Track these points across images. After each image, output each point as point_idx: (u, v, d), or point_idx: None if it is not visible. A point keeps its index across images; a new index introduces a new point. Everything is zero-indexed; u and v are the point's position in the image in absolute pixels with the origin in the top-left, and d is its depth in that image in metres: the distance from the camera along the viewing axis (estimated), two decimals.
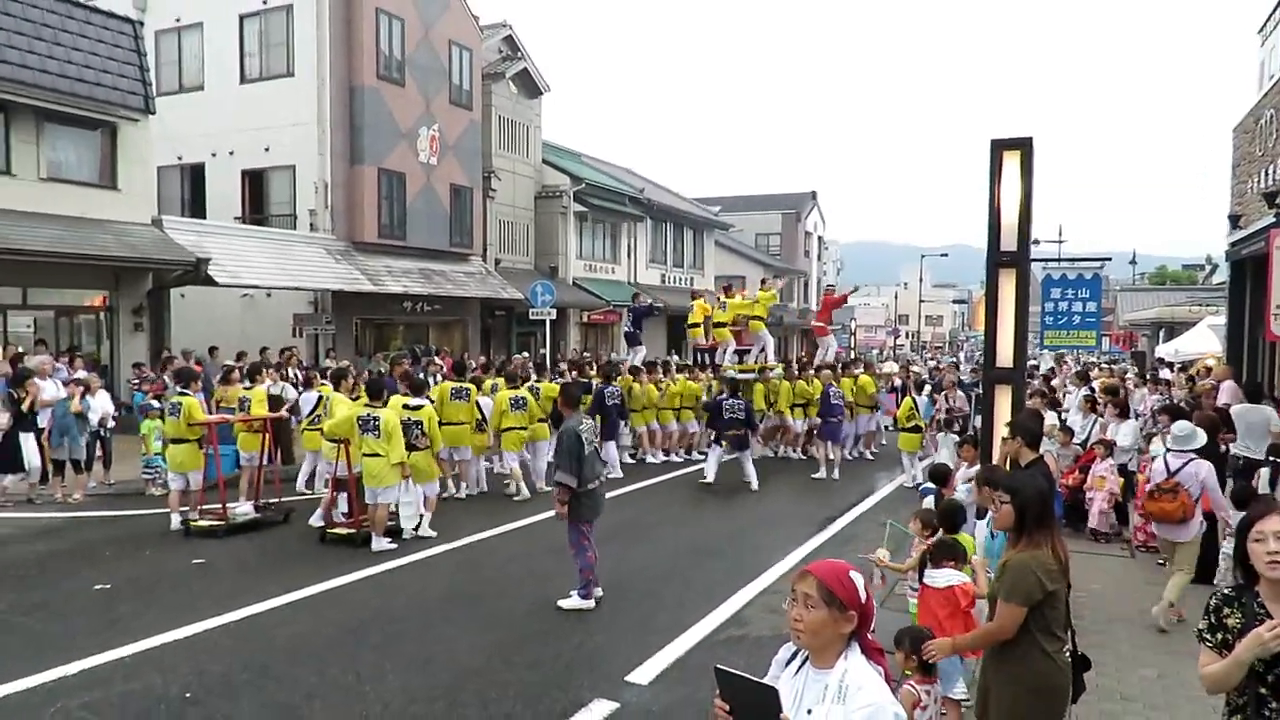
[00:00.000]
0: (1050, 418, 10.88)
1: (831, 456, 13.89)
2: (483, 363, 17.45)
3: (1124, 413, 10.89)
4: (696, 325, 17.30)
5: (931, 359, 41.50)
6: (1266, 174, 12.58)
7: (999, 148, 6.66)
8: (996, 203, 6.64)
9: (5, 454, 10.77)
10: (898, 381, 17.64)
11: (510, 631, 6.61)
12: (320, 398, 11.42)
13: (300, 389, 12.89)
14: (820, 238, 54.84)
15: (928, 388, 15.66)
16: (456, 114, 23.16)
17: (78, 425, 11.14)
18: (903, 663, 4.08)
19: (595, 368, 16.77)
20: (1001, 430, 6.31)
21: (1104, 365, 27.84)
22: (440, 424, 10.18)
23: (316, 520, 9.64)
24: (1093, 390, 12.89)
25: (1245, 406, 9.49)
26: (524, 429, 12.11)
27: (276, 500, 10.60)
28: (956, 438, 10.14)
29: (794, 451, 16.01)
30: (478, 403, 11.97)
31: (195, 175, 21.55)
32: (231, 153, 20.75)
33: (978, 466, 6.85)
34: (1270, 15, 15.35)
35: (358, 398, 9.83)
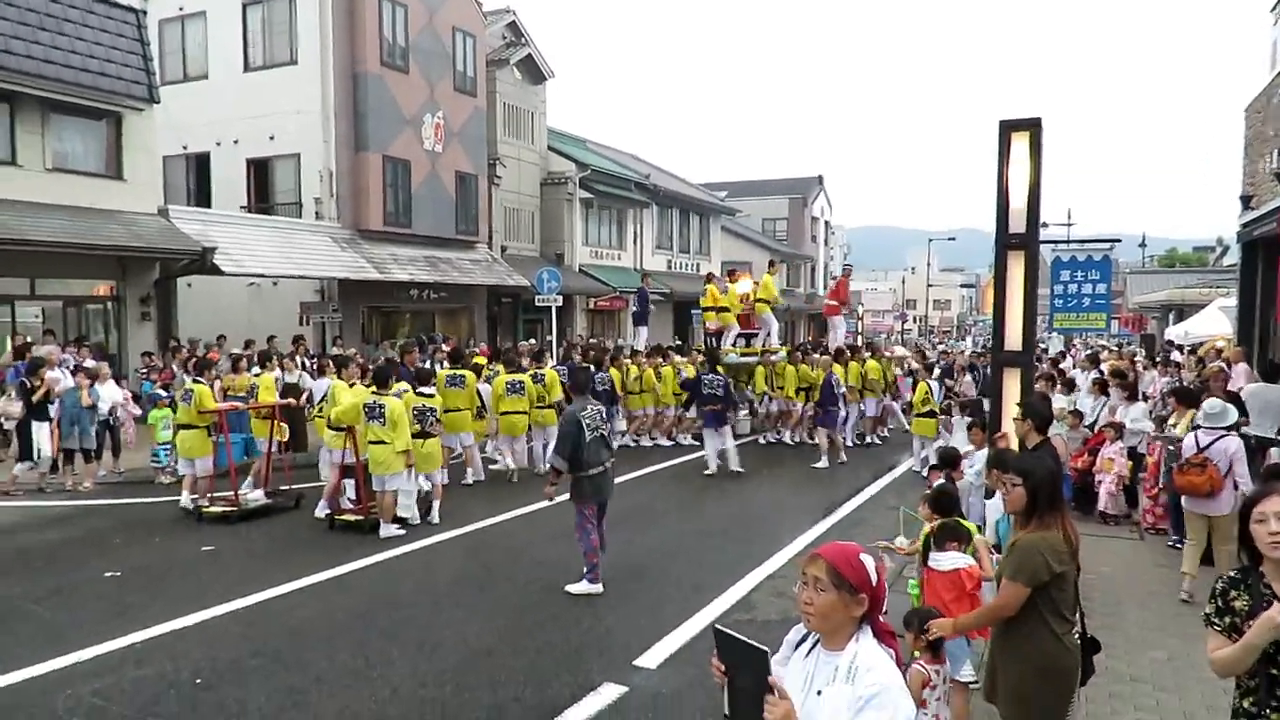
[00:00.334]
0: (1059, 400, 10.85)
1: (830, 442, 13.76)
2: (486, 350, 17.47)
3: (1133, 395, 10.84)
4: (710, 309, 17.31)
5: (939, 343, 41.38)
6: (1278, 154, 12.47)
7: (1007, 129, 6.61)
8: (1005, 184, 6.59)
9: (20, 442, 10.88)
10: (912, 365, 17.40)
11: (518, 616, 6.63)
12: (330, 385, 11.47)
13: (314, 376, 12.97)
14: (827, 222, 54.64)
15: (937, 370, 15.54)
16: (461, 101, 23.09)
17: (88, 415, 11.20)
18: (912, 644, 4.07)
19: (582, 354, 16.73)
20: (1011, 413, 6.29)
21: (1112, 348, 27.73)
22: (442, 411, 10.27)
23: (321, 510, 9.67)
24: (1101, 373, 12.84)
25: (1260, 386, 9.45)
26: (522, 414, 12.13)
27: (287, 487, 10.66)
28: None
29: (797, 436, 15.91)
30: (477, 390, 12.01)
31: (200, 164, 21.54)
32: (236, 141, 20.74)
33: (986, 449, 6.83)
34: None
35: (356, 385, 9.81)
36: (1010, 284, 6.71)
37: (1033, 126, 6.56)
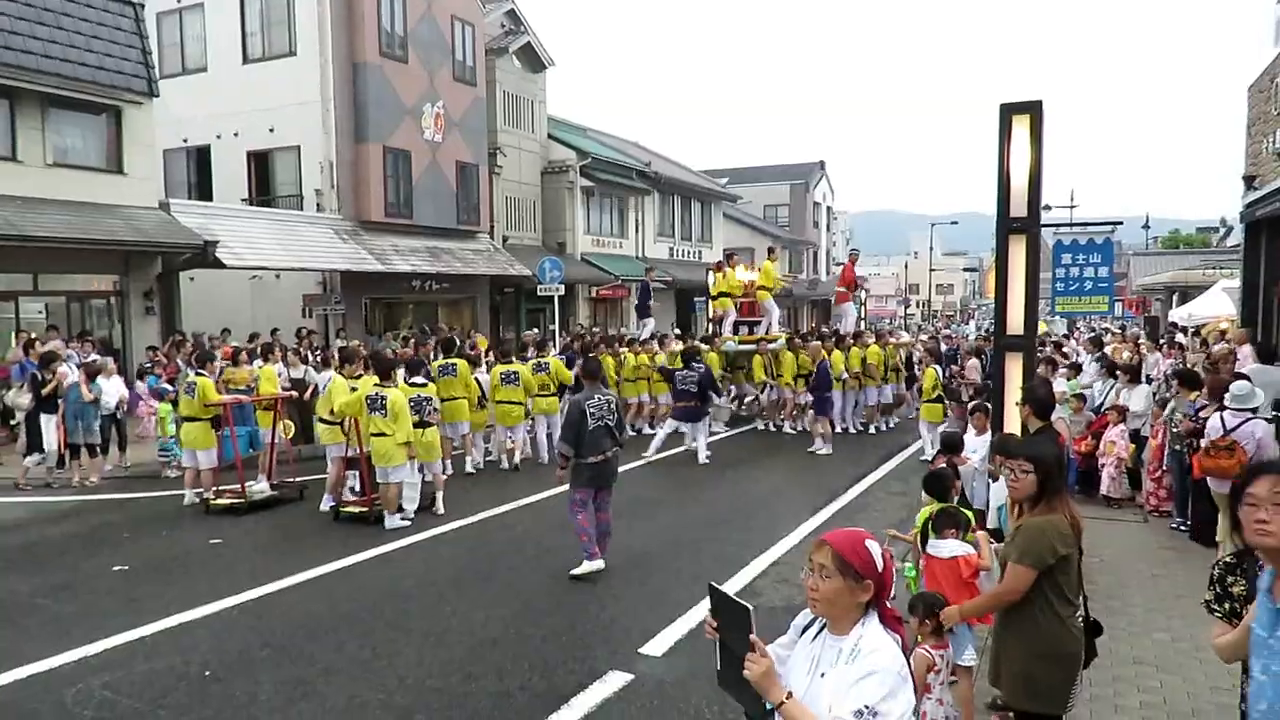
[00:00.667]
0: (1060, 384, 10.84)
1: (823, 430, 13.70)
2: (478, 346, 17.49)
3: (1135, 377, 10.83)
4: (719, 295, 17.46)
5: (943, 327, 41.28)
6: None
7: (1008, 112, 6.56)
8: (1006, 168, 6.56)
9: (32, 435, 10.95)
10: (917, 353, 16.78)
11: (524, 605, 6.66)
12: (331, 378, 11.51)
13: (319, 369, 12.99)
14: (829, 208, 54.46)
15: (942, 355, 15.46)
16: (460, 90, 23.01)
17: (91, 410, 11.25)
18: (917, 628, 4.10)
19: (578, 342, 16.80)
20: (1013, 397, 6.29)
21: (1115, 330, 27.68)
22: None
23: (326, 505, 9.71)
24: (1105, 355, 12.83)
25: (1258, 368, 9.44)
26: (519, 403, 12.17)
27: (291, 480, 10.71)
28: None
29: (798, 425, 15.80)
30: (476, 379, 12.07)
31: (201, 157, 21.52)
32: (236, 134, 20.70)
33: (989, 434, 6.83)
34: None
35: (363, 376, 9.82)
36: (1012, 268, 6.69)
37: (1033, 109, 6.52)
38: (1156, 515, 9.00)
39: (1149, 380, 12.07)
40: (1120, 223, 14.62)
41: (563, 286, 20.24)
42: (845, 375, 15.18)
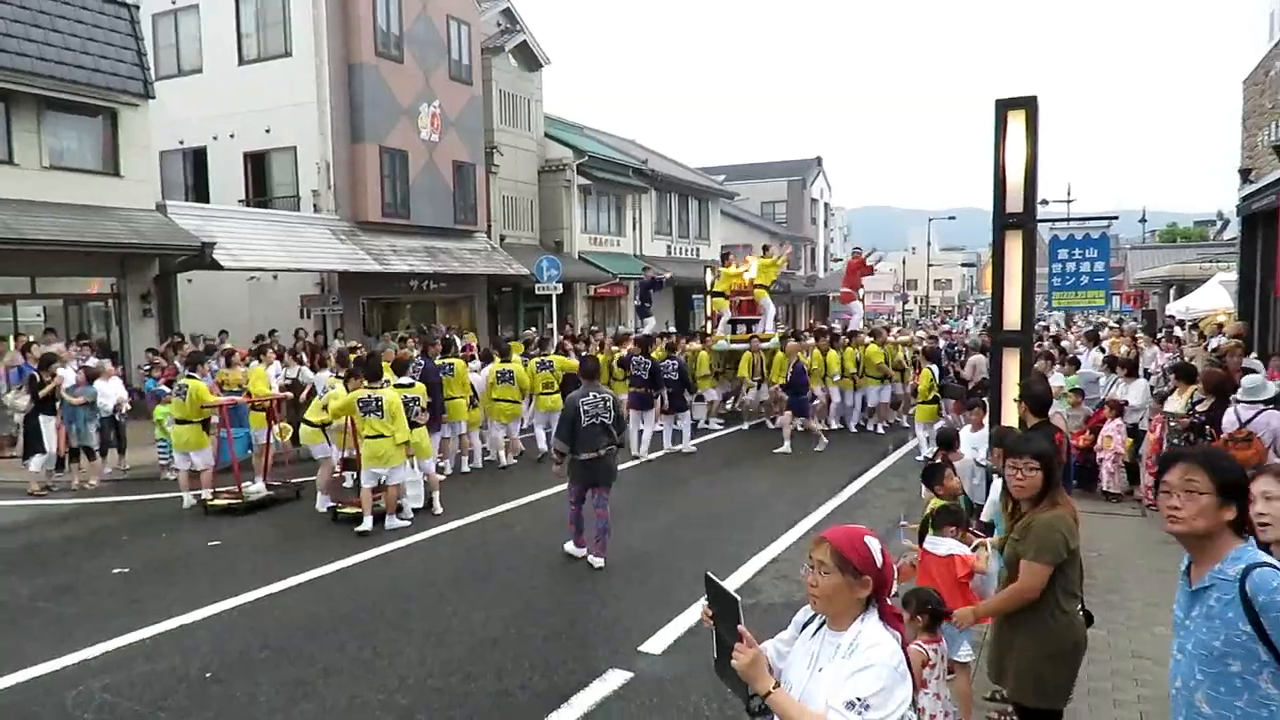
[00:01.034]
0: (1057, 379, 10.85)
1: (800, 429, 13.57)
2: (470, 348, 17.50)
3: (1133, 372, 10.84)
4: (717, 294, 17.58)
5: (941, 322, 41.28)
6: (1277, 126, 12.42)
7: (1003, 107, 6.57)
8: (1001, 164, 6.56)
9: (30, 437, 10.94)
10: (913, 352, 16.39)
11: (524, 604, 6.68)
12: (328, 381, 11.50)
13: (315, 370, 13.00)
14: (827, 204, 54.47)
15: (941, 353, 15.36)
16: (456, 89, 22.99)
17: (87, 412, 11.24)
18: (908, 623, 4.11)
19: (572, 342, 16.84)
20: (1011, 393, 6.30)
21: (1113, 324, 27.71)
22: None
23: (322, 505, 9.71)
24: (1103, 350, 12.84)
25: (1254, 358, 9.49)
26: (513, 402, 12.22)
27: (285, 481, 10.72)
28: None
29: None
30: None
31: (197, 159, 21.50)
32: (232, 135, 20.68)
33: (985, 430, 6.84)
34: None
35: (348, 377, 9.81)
36: (1009, 264, 6.69)
37: (1029, 105, 6.52)
38: (1155, 510, 9.01)
39: (1146, 375, 12.09)
40: (1116, 217, 14.63)
41: (560, 285, 20.27)
42: (839, 375, 15.13)
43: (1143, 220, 52.95)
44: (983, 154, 7.11)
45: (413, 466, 9.44)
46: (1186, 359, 11.39)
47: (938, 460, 6.47)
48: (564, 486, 7.59)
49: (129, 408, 12.28)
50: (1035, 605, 3.52)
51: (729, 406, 17.26)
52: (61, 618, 6.52)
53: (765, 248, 19.27)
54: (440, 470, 10.94)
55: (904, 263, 76.02)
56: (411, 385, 9.77)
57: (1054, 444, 4.45)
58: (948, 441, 6.64)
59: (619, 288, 29.33)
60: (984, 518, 5.92)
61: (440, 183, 22.46)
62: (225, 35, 20.61)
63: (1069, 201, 42.32)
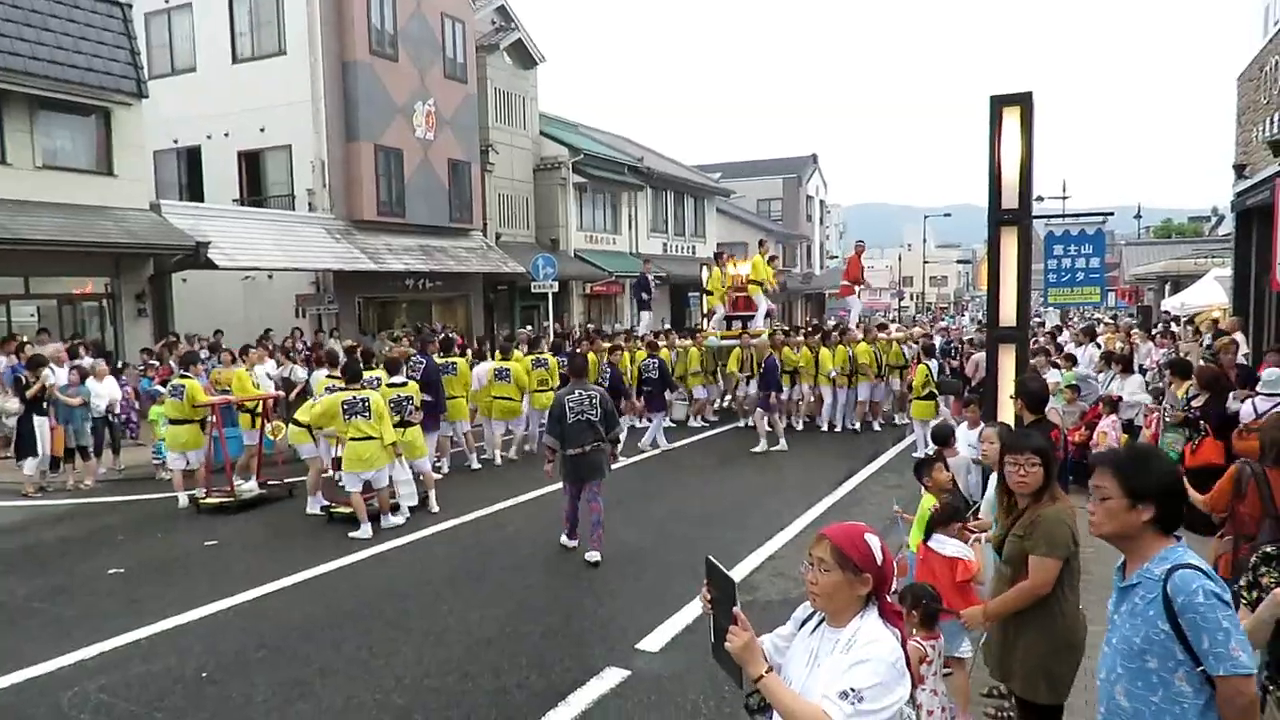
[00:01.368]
0: (1053, 375, 10.86)
1: (769, 428, 13.49)
2: (461, 341, 17.51)
3: (1128, 368, 10.86)
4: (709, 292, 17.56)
5: (938, 318, 41.33)
6: (1271, 122, 12.43)
7: (998, 104, 6.58)
8: (997, 160, 6.57)
9: (22, 439, 10.89)
10: (910, 349, 16.27)
11: (520, 603, 6.67)
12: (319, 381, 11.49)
13: (310, 369, 12.98)
14: (822, 201, 54.46)
15: (936, 349, 15.33)
16: (451, 87, 22.95)
17: (84, 412, 11.20)
18: (905, 618, 4.10)
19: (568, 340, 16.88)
20: (1007, 389, 6.30)
21: (1108, 320, 27.75)
22: None
23: (314, 508, 9.66)
24: (1100, 346, 12.85)
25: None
26: (510, 399, 12.24)
27: (281, 480, 10.71)
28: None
29: (797, 422, 15.67)
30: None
31: (191, 158, 21.44)
32: (227, 134, 20.62)
33: (981, 427, 6.83)
34: None
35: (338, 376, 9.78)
36: (1004, 261, 6.71)
37: (1023, 101, 6.53)
38: None
39: (1142, 370, 12.11)
40: (1112, 213, 14.66)
41: (556, 283, 20.25)
42: (834, 373, 15.07)
43: (1138, 216, 53.03)
44: (978, 150, 7.11)
45: (403, 465, 9.42)
46: (1182, 354, 11.43)
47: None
48: (558, 485, 7.59)
49: (136, 408, 12.25)
50: (1044, 600, 3.53)
51: (723, 404, 17.24)
52: (57, 618, 6.50)
53: (761, 243, 19.26)
54: (437, 469, 10.94)
55: (900, 260, 76.07)
56: (405, 384, 9.75)
57: (1051, 440, 4.46)
58: (944, 437, 6.64)
59: (615, 285, 29.32)
60: (981, 515, 5.92)
61: (435, 181, 22.43)
62: (219, 34, 20.55)
63: (1064, 198, 42.39)
